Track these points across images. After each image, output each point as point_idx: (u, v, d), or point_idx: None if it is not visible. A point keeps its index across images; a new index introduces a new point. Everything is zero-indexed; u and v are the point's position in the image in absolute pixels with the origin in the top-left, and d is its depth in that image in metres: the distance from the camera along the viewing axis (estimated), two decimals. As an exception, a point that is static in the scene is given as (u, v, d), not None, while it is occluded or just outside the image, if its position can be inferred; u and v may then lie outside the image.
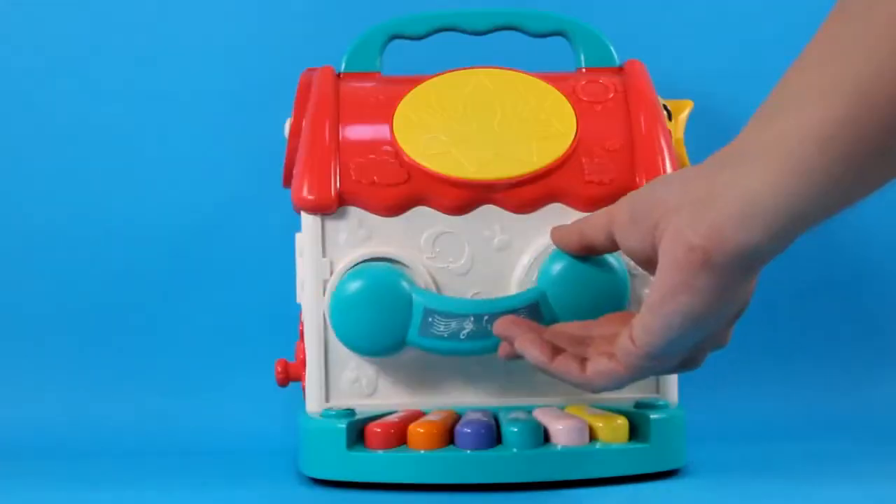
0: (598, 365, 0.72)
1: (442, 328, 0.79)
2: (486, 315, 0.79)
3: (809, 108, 0.62)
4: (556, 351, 0.74)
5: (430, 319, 0.79)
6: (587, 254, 0.78)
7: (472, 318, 0.79)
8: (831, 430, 1.05)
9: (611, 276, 0.80)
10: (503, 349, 0.78)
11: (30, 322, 1.11)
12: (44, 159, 1.12)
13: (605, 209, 0.74)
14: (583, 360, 0.73)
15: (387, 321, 0.81)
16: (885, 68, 0.60)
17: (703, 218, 0.64)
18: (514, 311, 0.78)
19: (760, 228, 0.63)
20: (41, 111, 1.12)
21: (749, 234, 0.63)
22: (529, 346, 0.74)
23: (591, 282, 0.79)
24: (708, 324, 0.67)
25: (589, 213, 0.77)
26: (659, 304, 0.66)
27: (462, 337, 0.79)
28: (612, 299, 0.80)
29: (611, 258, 0.80)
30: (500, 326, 0.77)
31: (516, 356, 0.76)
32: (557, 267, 0.80)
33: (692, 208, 0.64)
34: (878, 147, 0.61)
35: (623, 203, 0.72)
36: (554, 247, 0.81)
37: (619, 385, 0.72)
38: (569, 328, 0.77)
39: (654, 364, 0.70)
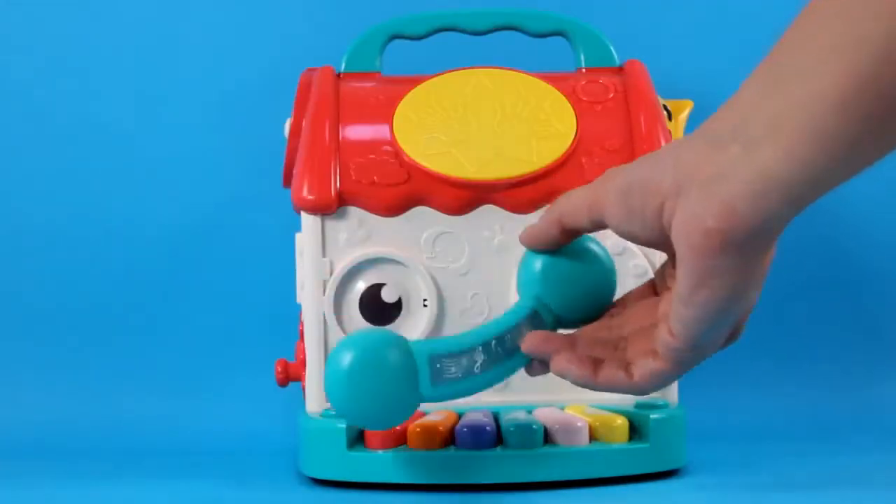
0: (644, 367, 0.69)
1: (454, 370, 0.73)
2: (493, 340, 0.74)
3: (825, 70, 0.60)
4: (597, 363, 0.71)
5: (437, 366, 0.73)
6: (568, 241, 0.73)
7: (480, 349, 0.74)
8: (831, 430, 1.05)
9: (595, 264, 0.75)
10: (536, 367, 0.74)
11: (30, 322, 1.11)
12: (44, 159, 1.12)
13: (581, 192, 0.69)
14: (627, 366, 0.70)
15: (396, 390, 0.72)
16: None
17: (714, 198, 0.61)
18: (517, 326, 0.75)
19: (777, 201, 0.61)
20: (41, 111, 1.12)
21: (765, 209, 0.61)
22: (569, 366, 0.71)
23: (578, 271, 0.74)
24: (744, 299, 0.65)
25: (554, 202, 0.72)
26: (690, 295, 0.64)
27: (476, 371, 0.74)
28: (603, 283, 0.75)
29: (591, 243, 0.75)
30: (531, 345, 0.72)
31: (546, 371, 0.73)
32: (538, 266, 0.74)
33: (701, 189, 0.62)
34: None
35: (610, 191, 0.67)
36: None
37: (668, 383, 0.70)
38: (597, 332, 0.73)
39: (699, 353, 0.67)
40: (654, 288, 0.73)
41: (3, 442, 1.04)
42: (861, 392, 1.11)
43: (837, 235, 1.13)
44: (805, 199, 0.61)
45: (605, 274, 0.74)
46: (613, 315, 0.73)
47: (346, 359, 0.71)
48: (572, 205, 0.70)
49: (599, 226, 0.69)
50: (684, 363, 0.68)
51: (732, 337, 0.70)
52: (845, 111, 0.59)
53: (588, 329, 0.74)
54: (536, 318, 0.74)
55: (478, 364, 0.73)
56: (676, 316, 0.65)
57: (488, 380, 0.74)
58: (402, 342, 0.73)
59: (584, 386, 0.71)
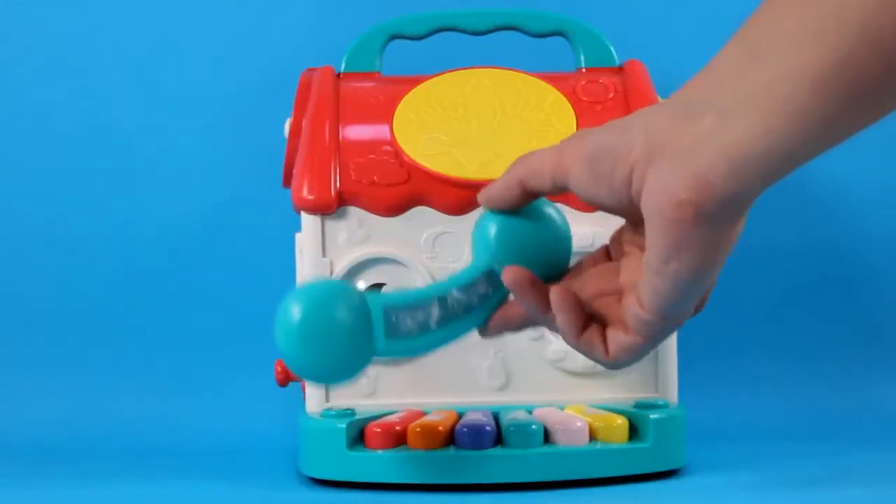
0: (617, 342, 0.68)
1: (409, 323, 0.72)
2: (449, 295, 0.72)
3: (805, 48, 0.60)
4: (584, 319, 0.70)
5: (393, 319, 0.71)
6: (527, 202, 0.71)
7: (436, 304, 0.72)
8: (831, 430, 1.05)
9: (551, 228, 0.73)
10: (490, 329, 0.73)
11: (30, 322, 1.11)
12: (44, 159, 1.12)
13: (545, 153, 0.68)
14: (603, 332, 0.69)
15: (349, 343, 0.71)
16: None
17: (687, 170, 0.61)
18: (473, 282, 0.73)
19: (752, 175, 0.60)
20: (41, 111, 1.12)
21: (739, 182, 0.60)
22: (569, 310, 0.69)
23: (534, 235, 0.72)
24: (714, 268, 0.64)
25: (516, 162, 0.70)
26: (662, 265, 0.63)
27: (432, 326, 0.72)
28: (559, 248, 0.73)
29: (547, 207, 0.73)
30: (516, 277, 0.70)
31: (500, 333, 0.73)
32: (494, 228, 0.72)
33: (673, 160, 0.61)
34: (878, 83, 0.59)
35: (576, 156, 0.66)
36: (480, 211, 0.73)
37: (641, 356, 0.69)
38: None
39: (671, 323, 0.67)
40: (608, 254, 0.72)
41: (3, 442, 1.04)
42: (861, 392, 1.11)
43: (837, 235, 1.13)
44: (779, 172, 0.61)
45: (560, 239, 0.73)
46: (570, 280, 0.72)
47: (297, 312, 0.69)
48: (535, 166, 0.69)
49: (562, 189, 0.68)
50: (656, 335, 0.67)
51: (699, 307, 0.69)
52: (823, 90, 0.59)
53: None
54: (493, 277, 0.72)
55: (434, 319, 0.72)
56: (648, 286, 0.65)
57: (444, 336, 0.73)
58: (355, 293, 0.71)
59: (561, 333, 0.70)
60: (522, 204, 0.71)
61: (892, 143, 1.13)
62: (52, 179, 1.12)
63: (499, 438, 0.81)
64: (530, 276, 0.70)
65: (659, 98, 0.92)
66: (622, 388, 0.88)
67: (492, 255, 0.72)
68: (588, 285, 0.70)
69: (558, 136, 0.88)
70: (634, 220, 0.67)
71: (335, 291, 0.71)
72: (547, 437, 0.82)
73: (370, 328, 0.71)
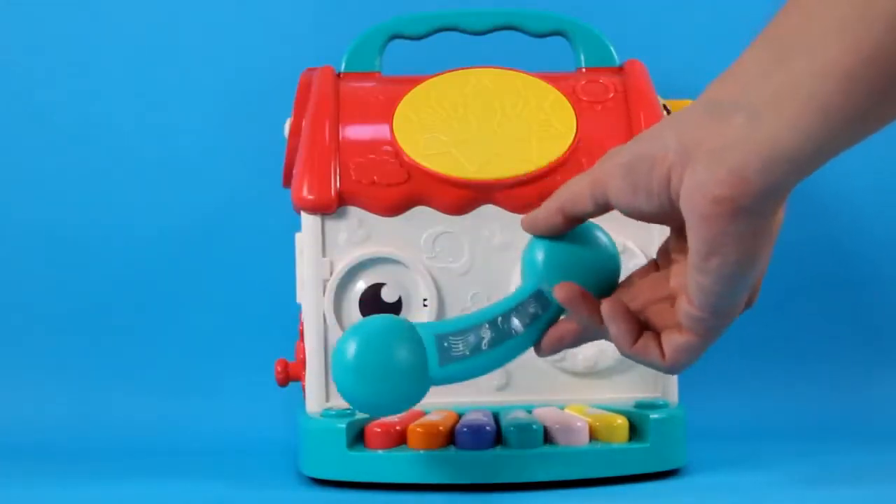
0: (672, 343, 0.69)
1: (461, 347, 0.73)
2: (499, 317, 0.73)
3: (830, 45, 0.60)
4: (638, 330, 0.70)
5: (445, 345, 0.73)
6: (571, 227, 0.72)
7: (487, 326, 0.73)
8: (831, 430, 1.05)
9: (598, 250, 0.73)
10: (545, 347, 0.73)
11: (30, 322, 1.11)
12: (44, 160, 1.12)
13: (582, 177, 0.70)
14: (657, 338, 0.70)
15: (405, 375, 0.72)
16: None
17: (721, 167, 0.62)
18: (522, 304, 0.75)
19: (784, 170, 0.61)
20: (42, 112, 1.12)
21: (773, 177, 0.61)
22: (620, 320, 0.70)
23: (581, 258, 0.73)
24: (757, 262, 0.65)
25: (556, 192, 0.71)
26: (703, 262, 0.64)
27: (484, 347, 0.73)
28: (607, 269, 0.73)
29: (595, 229, 0.74)
30: (567, 293, 0.70)
31: (555, 351, 0.73)
32: (541, 253, 0.72)
33: (709, 158, 0.62)
34: None
35: (612, 169, 0.67)
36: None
37: (697, 356, 0.70)
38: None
39: (722, 320, 0.68)
40: (657, 265, 0.73)
41: (3, 442, 1.04)
42: (861, 392, 1.11)
43: (838, 235, 1.13)
44: (809, 168, 0.62)
45: (608, 259, 0.73)
46: (620, 293, 0.73)
47: (352, 349, 0.72)
48: (574, 192, 0.70)
49: (604, 207, 0.69)
50: (709, 332, 0.68)
51: (750, 301, 0.70)
52: (850, 86, 0.60)
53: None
54: (541, 297, 0.73)
55: (485, 341, 0.73)
56: (694, 284, 0.66)
57: (497, 358, 0.73)
58: (407, 326, 0.73)
59: (615, 343, 0.70)
60: (566, 229, 0.72)
61: (892, 144, 1.13)
62: (52, 179, 1.12)
63: (499, 438, 0.81)
64: (581, 291, 0.71)
65: (659, 98, 0.92)
66: (622, 388, 0.88)
67: (540, 278, 0.73)
68: (639, 296, 0.71)
69: (558, 136, 0.88)
70: (677, 227, 0.68)
71: (387, 328, 0.73)
72: (547, 437, 0.82)
73: (424, 358, 0.72)
